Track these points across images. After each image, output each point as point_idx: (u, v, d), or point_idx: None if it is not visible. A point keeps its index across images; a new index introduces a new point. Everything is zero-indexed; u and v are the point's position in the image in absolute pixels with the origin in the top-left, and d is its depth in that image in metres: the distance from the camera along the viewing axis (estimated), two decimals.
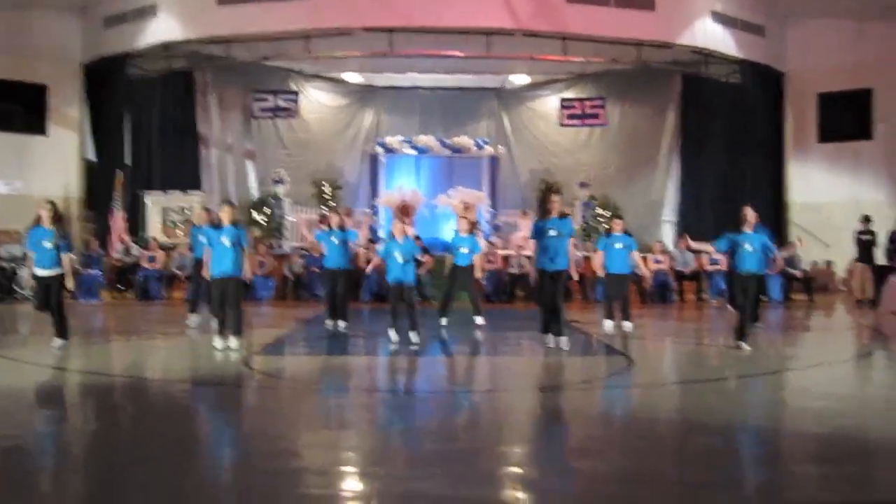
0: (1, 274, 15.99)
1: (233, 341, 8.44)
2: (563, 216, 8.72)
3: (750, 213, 8.60)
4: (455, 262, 11.19)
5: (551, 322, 8.66)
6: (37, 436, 5.21)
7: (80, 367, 7.75)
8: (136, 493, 3.88)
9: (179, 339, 10.10)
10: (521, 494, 3.90)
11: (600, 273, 11.36)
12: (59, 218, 8.65)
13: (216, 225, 8.63)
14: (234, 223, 8.63)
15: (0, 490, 3.94)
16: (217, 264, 8.48)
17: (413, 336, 9.08)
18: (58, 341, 8.50)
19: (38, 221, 8.60)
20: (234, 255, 8.45)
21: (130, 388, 6.96)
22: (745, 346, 8.50)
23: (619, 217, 11.99)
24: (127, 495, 3.86)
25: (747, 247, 8.48)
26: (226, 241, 8.41)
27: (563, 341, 8.56)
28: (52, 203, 8.74)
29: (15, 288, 15.93)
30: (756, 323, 10.76)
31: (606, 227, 11.62)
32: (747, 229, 8.60)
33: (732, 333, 8.76)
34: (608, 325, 10.87)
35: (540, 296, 8.70)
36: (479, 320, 11.01)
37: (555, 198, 8.89)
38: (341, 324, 10.72)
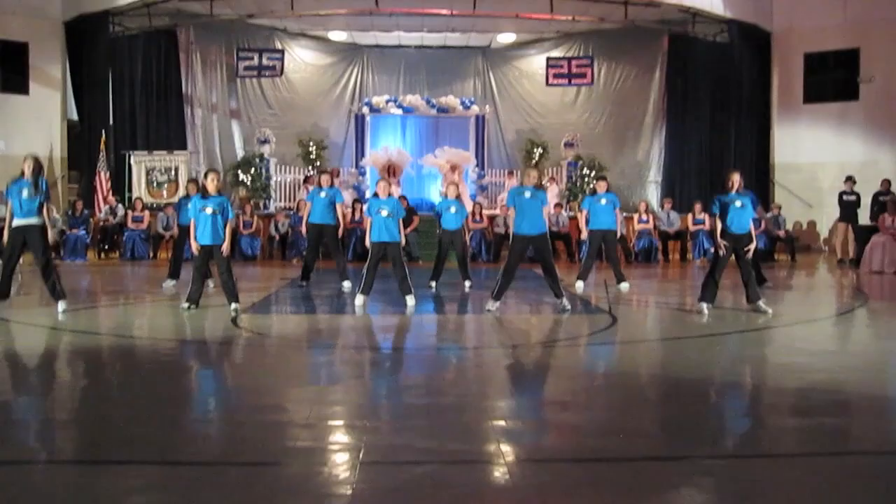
0: None
1: (233, 306, 8.48)
2: (538, 188, 8.70)
3: (736, 177, 8.55)
4: (443, 226, 11.23)
5: (551, 284, 8.71)
6: (25, 393, 5.27)
7: (68, 327, 7.78)
8: (126, 447, 3.95)
9: (166, 299, 10.14)
10: (504, 447, 4.01)
11: (585, 233, 11.52)
12: (39, 170, 8.46)
13: (203, 195, 8.58)
14: (219, 192, 8.62)
15: (4, 440, 4.02)
16: (202, 234, 8.49)
17: (409, 299, 9.08)
18: (60, 304, 8.32)
19: (21, 175, 8.47)
20: (219, 223, 8.46)
21: (118, 347, 7.03)
22: (706, 309, 8.47)
23: (604, 178, 12.06)
24: (118, 449, 3.94)
25: (738, 203, 8.43)
26: (209, 210, 8.41)
27: (565, 301, 8.65)
28: (34, 157, 8.51)
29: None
30: (764, 283, 10.97)
31: (592, 186, 11.74)
32: (733, 192, 8.51)
33: (701, 293, 8.62)
34: (580, 285, 11.02)
35: (509, 261, 8.69)
36: (468, 285, 11.06)
37: (532, 172, 8.86)
38: (346, 284, 10.78)
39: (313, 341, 7.39)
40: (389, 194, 9.56)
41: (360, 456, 3.78)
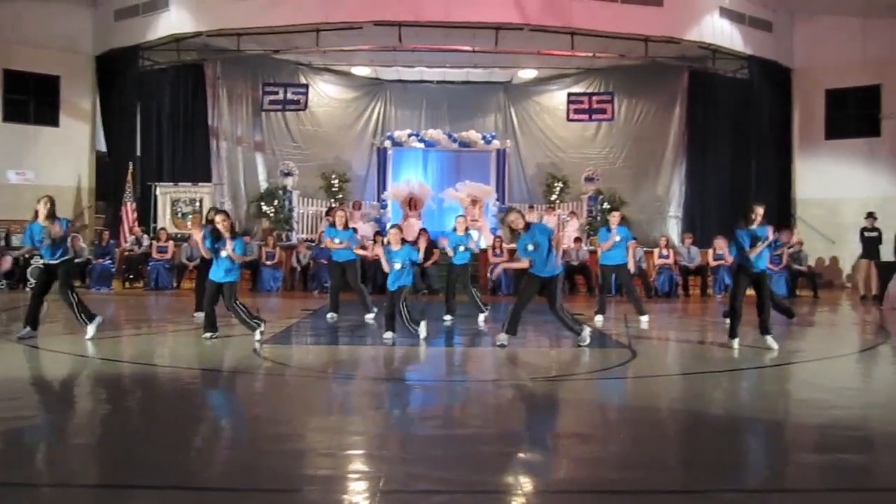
0: (14, 264, 16.18)
1: (256, 335, 8.63)
2: (526, 227, 8.43)
3: (760, 211, 8.53)
4: (451, 261, 11.27)
5: (564, 323, 8.65)
6: (49, 419, 5.36)
7: (91, 354, 7.90)
8: (146, 473, 4.02)
9: (189, 328, 10.26)
10: (521, 478, 4.03)
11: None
12: (54, 212, 8.68)
13: (217, 236, 8.73)
14: (233, 229, 8.84)
15: (15, 469, 4.10)
16: (215, 272, 8.75)
17: (388, 335, 8.95)
18: (89, 329, 8.57)
19: (35, 217, 8.69)
20: (230, 263, 8.71)
21: (140, 375, 7.11)
22: (735, 345, 8.50)
23: (616, 209, 12.09)
24: (139, 475, 4.00)
25: (762, 242, 8.40)
26: (223, 253, 8.66)
27: (584, 334, 8.61)
28: (49, 198, 8.75)
29: (29, 278, 16.10)
30: (791, 318, 10.95)
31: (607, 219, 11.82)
32: (756, 226, 8.50)
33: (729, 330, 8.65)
34: (599, 319, 11.05)
35: (521, 296, 8.67)
36: (482, 318, 11.06)
37: (512, 217, 8.53)
38: (369, 316, 10.86)
39: (333, 372, 7.44)
40: (402, 240, 9.42)
41: (380, 485, 3.82)
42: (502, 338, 8.53)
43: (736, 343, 8.53)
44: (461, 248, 11.20)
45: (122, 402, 6.06)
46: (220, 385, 6.91)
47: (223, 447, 4.75)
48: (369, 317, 10.86)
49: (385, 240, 9.80)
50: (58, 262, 8.62)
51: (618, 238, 11.25)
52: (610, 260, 11.33)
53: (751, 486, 4.07)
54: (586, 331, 8.69)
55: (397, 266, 9.04)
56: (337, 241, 11.01)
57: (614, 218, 11.49)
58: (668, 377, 7.47)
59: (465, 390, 6.70)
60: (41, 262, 8.76)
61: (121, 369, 7.29)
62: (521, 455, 4.54)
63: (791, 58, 19.80)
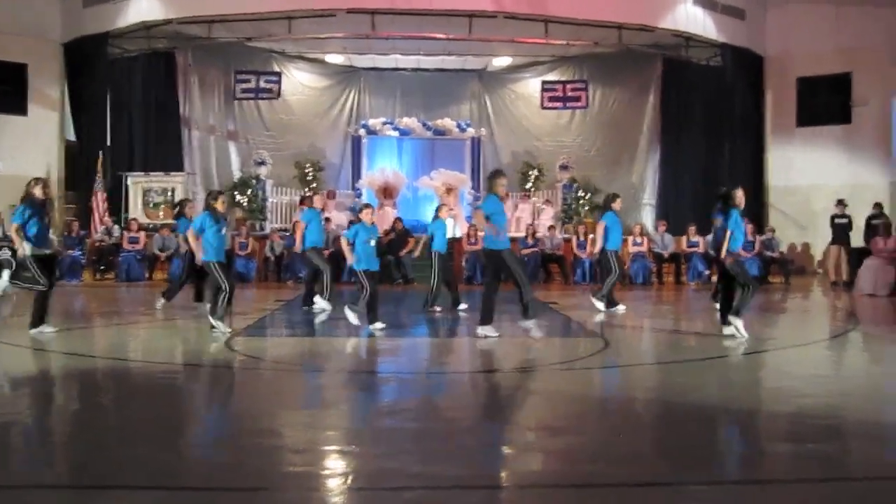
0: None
1: (218, 328, 8.53)
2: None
3: (741, 194, 8.55)
4: (436, 249, 11.08)
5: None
6: (20, 416, 5.26)
7: (62, 349, 7.78)
8: (118, 472, 3.96)
9: (160, 320, 10.15)
10: (494, 472, 4.02)
11: (598, 248, 11.41)
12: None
13: (217, 216, 8.77)
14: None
15: None
16: (219, 251, 8.78)
17: (379, 325, 8.99)
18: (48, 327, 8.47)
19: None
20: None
21: (113, 369, 7.03)
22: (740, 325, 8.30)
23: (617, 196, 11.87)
24: (111, 474, 3.95)
25: (741, 227, 8.44)
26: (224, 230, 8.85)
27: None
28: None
29: None
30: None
31: (606, 202, 11.66)
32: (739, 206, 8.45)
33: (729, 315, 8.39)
34: (622, 308, 11.02)
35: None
36: (438, 309, 10.96)
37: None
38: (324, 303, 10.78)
39: (306, 364, 7.40)
40: (373, 222, 9.43)
41: (350, 481, 3.80)
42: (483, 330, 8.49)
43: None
44: (444, 235, 11.12)
45: (91, 398, 5.97)
46: (191, 380, 6.83)
47: (192, 445, 4.68)
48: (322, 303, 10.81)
49: (356, 217, 9.69)
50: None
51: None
52: (617, 245, 11.31)
53: (722, 477, 4.08)
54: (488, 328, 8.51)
55: (373, 243, 9.04)
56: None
57: (619, 203, 11.48)
58: (640, 367, 7.50)
59: (439, 382, 6.69)
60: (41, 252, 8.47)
61: (90, 364, 7.19)
62: (494, 448, 4.53)
63: (763, 46, 19.91)
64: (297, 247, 11.32)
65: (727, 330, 8.34)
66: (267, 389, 6.26)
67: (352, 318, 9.02)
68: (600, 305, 11.09)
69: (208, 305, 8.98)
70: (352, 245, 9.10)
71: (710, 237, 11.43)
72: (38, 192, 8.49)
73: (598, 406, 5.82)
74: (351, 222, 16.98)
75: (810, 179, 19.24)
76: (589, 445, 4.60)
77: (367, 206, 9.76)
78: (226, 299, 8.55)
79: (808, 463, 4.26)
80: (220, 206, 8.75)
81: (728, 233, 8.26)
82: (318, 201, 11.43)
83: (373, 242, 9.10)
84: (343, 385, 6.51)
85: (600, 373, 7.10)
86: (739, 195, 8.52)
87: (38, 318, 8.43)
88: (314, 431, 4.82)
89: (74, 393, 6.13)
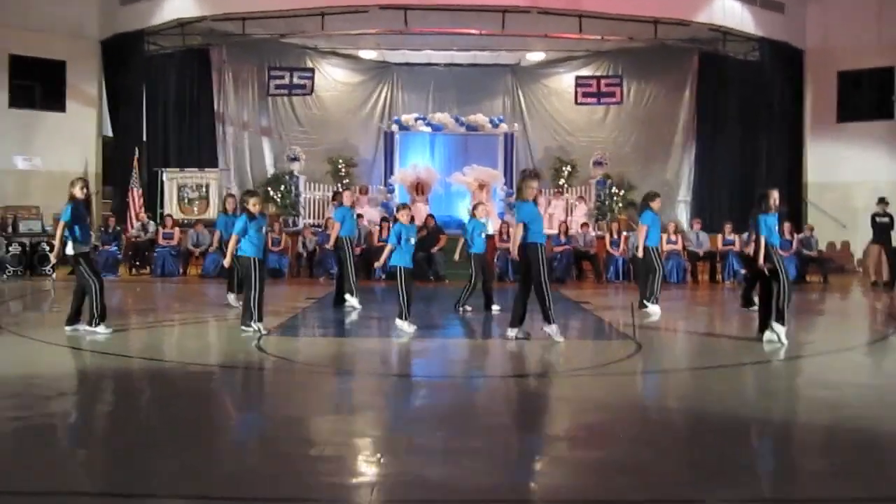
0: (22, 250, 16.13)
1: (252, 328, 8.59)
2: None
3: (776, 195, 8.36)
4: (472, 251, 10.93)
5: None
6: (54, 418, 5.32)
7: (91, 348, 7.87)
8: (146, 480, 3.98)
9: (193, 319, 10.24)
10: (521, 484, 3.97)
11: (640, 250, 11.17)
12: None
13: (251, 216, 8.78)
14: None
15: (23, 469, 4.07)
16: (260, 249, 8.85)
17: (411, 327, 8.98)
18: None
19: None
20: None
21: (143, 370, 7.09)
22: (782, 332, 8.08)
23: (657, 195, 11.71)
24: (139, 481, 3.97)
25: (776, 229, 8.29)
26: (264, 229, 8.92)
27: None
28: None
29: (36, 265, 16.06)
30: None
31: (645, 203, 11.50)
32: (773, 212, 8.27)
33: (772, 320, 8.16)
34: (657, 308, 10.79)
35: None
36: (496, 308, 10.91)
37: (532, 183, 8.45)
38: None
39: (336, 367, 7.40)
40: (412, 219, 9.47)
41: (375, 493, 3.78)
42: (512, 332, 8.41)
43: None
44: (482, 235, 11.05)
45: (118, 401, 6.03)
46: (223, 383, 6.86)
47: (217, 450, 4.68)
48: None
49: (395, 217, 9.65)
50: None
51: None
52: (657, 243, 11.25)
53: (754, 495, 3.97)
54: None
55: (412, 241, 9.07)
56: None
57: (658, 203, 11.37)
58: (673, 372, 7.38)
59: (466, 387, 6.65)
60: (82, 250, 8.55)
61: (118, 364, 7.25)
62: (524, 459, 4.49)
63: (803, 39, 19.48)
64: (331, 244, 11.33)
65: (767, 335, 8.15)
66: (297, 394, 6.26)
67: (404, 327, 8.92)
68: (655, 308, 10.76)
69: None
70: (397, 244, 9.07)
71: (745, 235, 11.26)
72: (77, 191, 8.65)
73: (628, 415, 5.67)
74: (383, 219, 17.03)
75: (850, 176, 18.82)
76: (618, 457, 4.52)
77: (405, 205, 9.77)
78: (255, 300, 8.59)
79: (845, 480, 4.13)
80: (251, 206, 8.78)
81: (763, 239, 8.08)
82: (347, 198, 11.47)
83: (413, 241, 9.15)
84: (371, 390, 6.50)
85: (632, 379, 7.01)
86: (774, 197, 8.31)
87: (100, 314, 8.50)
88: (341, 438, 4.82)
89: (102, 395, 6.20)
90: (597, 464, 4.38)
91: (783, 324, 8.06)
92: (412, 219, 9.46)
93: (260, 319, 8.59)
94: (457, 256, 11.43)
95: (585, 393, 6.34)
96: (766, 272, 8.15)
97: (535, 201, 8.43)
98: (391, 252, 9.07)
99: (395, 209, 10.32)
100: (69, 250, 8.52)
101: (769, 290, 8.18)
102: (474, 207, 11.52)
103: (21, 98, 18.46)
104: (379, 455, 4.48)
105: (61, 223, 8.49)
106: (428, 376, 7.17)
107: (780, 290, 8.07)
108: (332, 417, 5.44)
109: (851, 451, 4.65)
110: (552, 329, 8.20)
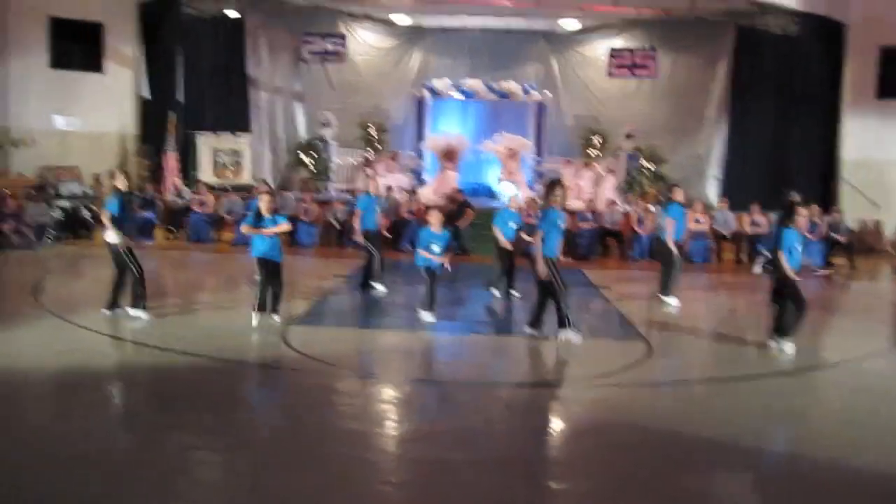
0: (62, 213, 16.60)
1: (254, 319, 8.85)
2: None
3: (804, 216, 8.38)
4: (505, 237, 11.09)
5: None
6: (67, 418, 5.59)
7: (129, 337, 8.24)
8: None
9: (216, 305, 10.53)
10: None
11: (671, 242, 11.26)
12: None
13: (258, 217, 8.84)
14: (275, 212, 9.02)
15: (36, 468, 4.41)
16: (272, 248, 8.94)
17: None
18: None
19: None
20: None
21: (162, 362, 7.32)
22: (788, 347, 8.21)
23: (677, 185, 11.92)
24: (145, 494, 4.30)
25: (798, 247, 8.24)
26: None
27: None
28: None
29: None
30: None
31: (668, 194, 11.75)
32: (797, 228, 8.24)
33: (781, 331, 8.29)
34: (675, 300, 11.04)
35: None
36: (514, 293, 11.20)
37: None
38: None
39: (357, 368, 7.59)
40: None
41: None
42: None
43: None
44: (511, 225, 11.19)
45: (133, 399, 6.34)
46: (241, 380, 7.17)
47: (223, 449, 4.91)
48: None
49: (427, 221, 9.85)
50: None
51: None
52: (681, 236, 11.48)
53: None
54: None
55: (437, 249, 9.30)
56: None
57: (680, 193, 11.52)
58: (680, 384, 7.37)
59: (480, 395, 6.71)
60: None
61: (141, 354, 7.51)
62: (511, 491, 4.71)
63: (846, 12, 18.98)
64: (356, 234, 11.53)
65: (773, 344, 8.30)
66: (314, 399, 6.45)
67: (426, 316, 9.29)
68: (673, 301, 11.04)
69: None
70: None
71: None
72: (120, 183, 9.00)
73: (625, 438, 5.63)
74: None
75: (887, 154, 18.57)
76: (599, 492, 4.67)
77: (432, 211, 9.88)
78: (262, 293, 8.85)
79: None
80: (262, 204, 8.88)
81: (781, 256, 8.10)
82: (372, 187, 11.66)
83: (437, 249, 9.38)
84: (387, 399, 6.69)
85: (636, 391, 6.93)
86: (802, 218, 8.30)
87: (139, 298, 8.94)
88: (349, 454, 5.04)
89: (112, 390, 6.57)
90: (576, 497, 4.58)
91: (788, 339, 8.21)
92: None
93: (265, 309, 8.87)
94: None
95: (582, 408, 6.41)
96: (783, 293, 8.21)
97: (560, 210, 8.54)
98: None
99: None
100: (113, 239, 8.87)
101: (783, 306, 8.30)
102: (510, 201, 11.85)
103: (60, 59, 18.77)
104: (393, 477, 4.76)
105: (107, 213, 8.88)
106: (436, 382, 7.28)
107: (796, 313, 8.18)
108: (345, 429, 5.64)
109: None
110: (568, 334, 8.37)
